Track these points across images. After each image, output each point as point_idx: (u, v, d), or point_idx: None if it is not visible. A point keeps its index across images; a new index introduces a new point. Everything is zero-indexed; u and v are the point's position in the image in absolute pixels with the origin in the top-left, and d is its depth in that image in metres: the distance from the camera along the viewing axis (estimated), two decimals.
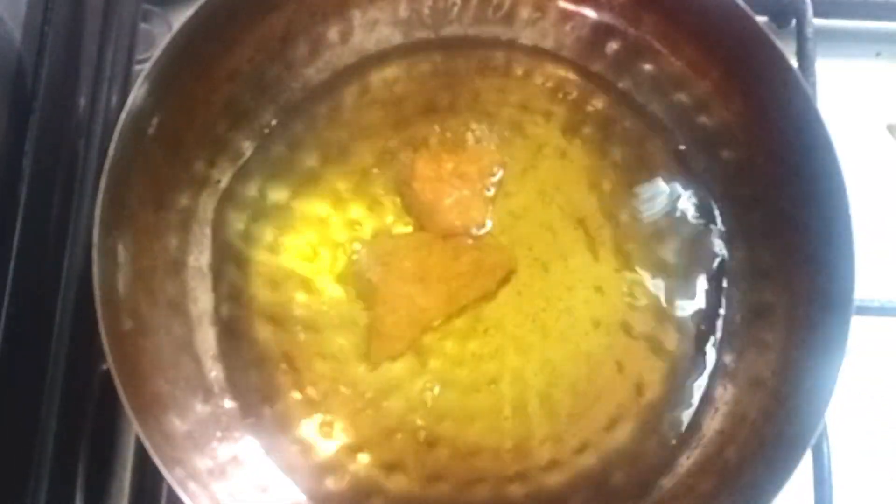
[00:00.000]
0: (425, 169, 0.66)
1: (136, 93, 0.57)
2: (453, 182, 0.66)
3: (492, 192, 0.67)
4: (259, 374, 0.63)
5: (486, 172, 0.67)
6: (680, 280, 0.66)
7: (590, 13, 0.70)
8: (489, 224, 0.66)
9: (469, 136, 0.69)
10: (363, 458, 0.62)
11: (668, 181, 0.69)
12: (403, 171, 0.67)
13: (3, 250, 0.58)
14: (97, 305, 0.53)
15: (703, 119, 0.69)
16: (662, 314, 0.66)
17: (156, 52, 0.58)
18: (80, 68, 0.67)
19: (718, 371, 0.65)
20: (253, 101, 0.68)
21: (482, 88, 0.70)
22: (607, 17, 0.69)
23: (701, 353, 0.65)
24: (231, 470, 0.61)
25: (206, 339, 0.64)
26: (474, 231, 0.66)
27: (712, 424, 0.64)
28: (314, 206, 0.67)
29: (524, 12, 0.70)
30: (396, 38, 0.71)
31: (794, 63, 0.62)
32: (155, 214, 0.63)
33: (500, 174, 0.68)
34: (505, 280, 0.65)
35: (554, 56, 0.71)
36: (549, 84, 0.70)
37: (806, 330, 0.61)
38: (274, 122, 0.69)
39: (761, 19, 0.71)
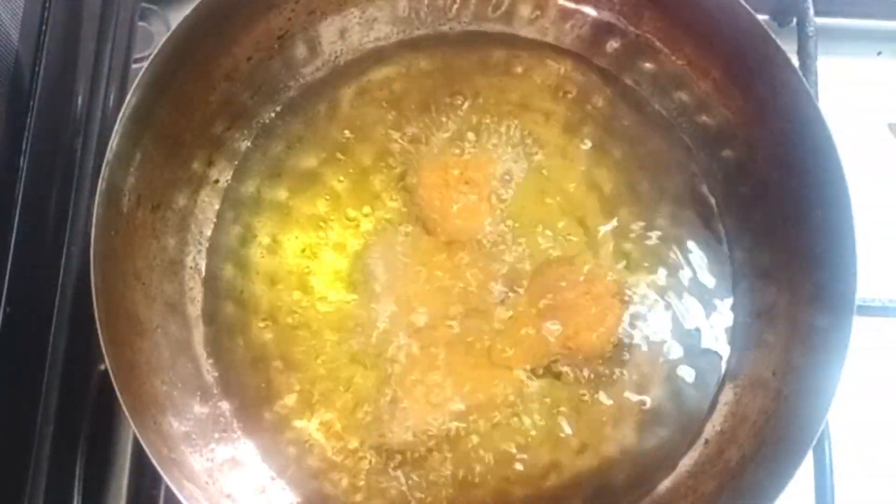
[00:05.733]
0: (431, 176, 0.66)
1: (134, 92, 0.57)
2: (460, 188, 0.66)
3: (496, 196, 0.67)
4: (257, 374, 0.63)
5: (491, 177, 0.67)
6: (680, 280, 0.66)
7: (590, 11, 0.69)
8: (493, 228, 0.66)
9: (469, 135, 0.68)
10: (362, 460, 0.62)
11: (668, 181, 0.68)
12: (409, 176, 0.67)
13: (0, 250, 0.58)
14: (95, 305, 0.53)
15: (703, 118, 0.68)
16: (662, 314, 0.65)
17: (154, 51, 0.57)
18: (78, 67, 0.66)
19: (719, 372, 0.65)
20: (251, 100, 0.68)
21: (482, 87, 0.70)
22: (607, 16, 0.69)
23: (701, 353, 0.65)
24: (228, 471, 0.60)
25: (204, 339, 0.64)
26: (480, 237, 0.66)
27: (713, 425, 0.64)
28: (313, 206, 0.67)
29: (523, 10, 0.70)
30: (395, 36, 0.70)
31: (795, 61, 0.62)
32: (153, 214, 0.62)
33: (504, 177, 0.67)
34: (502, 300, 0.65)
35: (554, 55, 0.71)
36: (549, 83, 0.70)
37: (807, 330, 0.61)
38: (272, 121, 0.68)
39: (762, 17, 0.71)
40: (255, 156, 0.68)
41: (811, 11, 0.71)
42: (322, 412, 0.63)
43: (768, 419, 0.61)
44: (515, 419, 0.63)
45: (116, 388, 0.53)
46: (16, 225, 0.59)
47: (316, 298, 0.65)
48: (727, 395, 0.65)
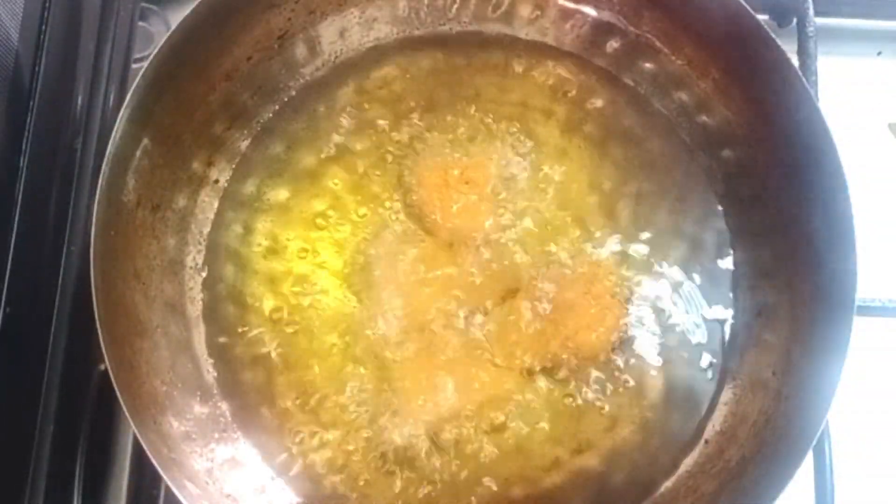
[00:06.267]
0: (431, 176, 0.66)
1: (134, 92, 0.57)
2: (460, 188, 0.66)
3: (496, 196, 0.67)
4: (257, 374, 0.63)
5: (491, 177, 0.67)
6: (679, 279, 0.66)
7: (590, 11, 0.69)
8: (493, 228, 0.66)
9: (469, 135, 0.68)
10: (361, 460, 0.62)
11: (668, 180, 0.68)
12: (408, 176, 0.67)
13: (0, 250, 0.58)
14: (95, 306, 0.53)
15: (703, 118, 0.69)
16: (662, 314, 0.65)
17: (154, 51, 0.57)
18: (78, 66, 0.66)
19: (719, 371, 0.65)
20: (251, 100, 0.68)
21: (482, 87, 0.70)
22: (607, 16, 0.69)
23: (701, 353, 0.65)
24: (228, 471, 0.60)
25: (204, 339, 0.64)
26: (480, 237, 0.66)
27: (713, 425, 0.64)
28: (312, 205, 0.67)
29: (523, 10, 0.70)
30: (395, 36, 0.70)
31: (795, 61, 0.62)
32: (153, 214, 0.62)
33: (503, 177, 0.67)
34: (503, 300, 0.65)
35: (553, 54, 0.71)
36: (549, 83, 0.70)
37: (807, 330, 0.61)
38: (272, 121, 0.68)
39: (762, 17, 0.71)
40: (255, 156, 0.68)
41: (811, 11, 0.71)
42: (322, 412, 0.63)
43: (768, 419, 0.61)
44: (515, 419, 0.63)
45: (116, 388, 0.53)
46: (16, 225, 0.59)
47: (316, 298, 0.65)
48: (727, 395, 0.64)
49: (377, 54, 0.70)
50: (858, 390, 0.68)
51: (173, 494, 0.53)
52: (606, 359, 0.64)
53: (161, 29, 0.73)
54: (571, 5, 0.69)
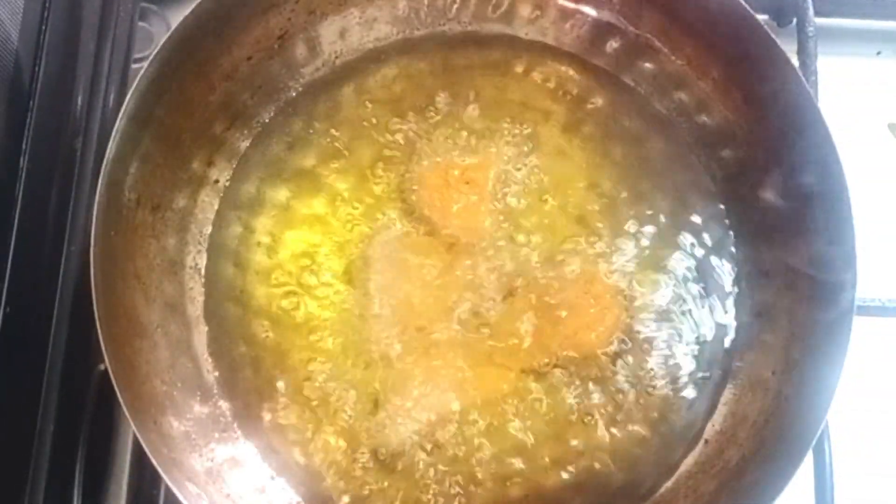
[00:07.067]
0: (431, 176, 0.66)
1: (134, 92, 0.57)
2: (460, 188, 0.66)
3: (496, 196, 0.67)
4: (257, 374, 0.63)
5: (491, 177, 0.67)
6: (679, 279, 0.66)
7: (589, 11, 0.69)
8: (493, 228, 0.66)
9: (469, 136, 0.68)
10: (361, 460, 0.62)
11: (668, 181, 0.68)
12: (409, 176, 0.67)
13: (0, 250, 0.58)
14: (95, 306, 0.53)
15: (703, 118, 0.69)
16: (661, 314, 0.65)
17: (154, 51, 0.57)
18: (78, 67, 0.66)
19: (719, 372, 0.65)
20: (251, 100, 0.68)
21: (481, 87, 0.70)
22: (607, 16, 0.69)
23: (701, 353, 0.65)
24: (229, 471, 0.60)
25: (204, 339, 0.64)
26: (480, 237, 0.66)
27: (713, 425, 0.64)
28: (313, 206, 0.67)
29: (523, 10, 0.70)
30: (395, 36, 0.70)
31: (795, 61, 0.62)
32: (153, 214, 0.62)
33: (504, 177, 0.67)
34: (502, 300, 0.65)
35: (553, 55, 0.71)
36: (549, 83, 0.70)
37: (807, 330, 0.61)
38: (272, 121, 0.68)
39: (762, 17, 0.71)
40: (255, 156, 0.68)
41: (811, 11, 0.71)
42: (322, 411, 0.63)
43: (768, 419, 0.61)
44: (515, 419, 0.63)
45: (116, 388, 0.53)
46: (16, 225, 0.59)
47: (316, 299, 0.65)
48: (727, 395, 0.65)
49: (377, 54, 0.70)
50: (858, 390, 0.68)
51: (173, 494, 0.53)
52: (606, 358, 0.64)
53: (161, 29, 0.73)
54: (571, 5, 0.69)
